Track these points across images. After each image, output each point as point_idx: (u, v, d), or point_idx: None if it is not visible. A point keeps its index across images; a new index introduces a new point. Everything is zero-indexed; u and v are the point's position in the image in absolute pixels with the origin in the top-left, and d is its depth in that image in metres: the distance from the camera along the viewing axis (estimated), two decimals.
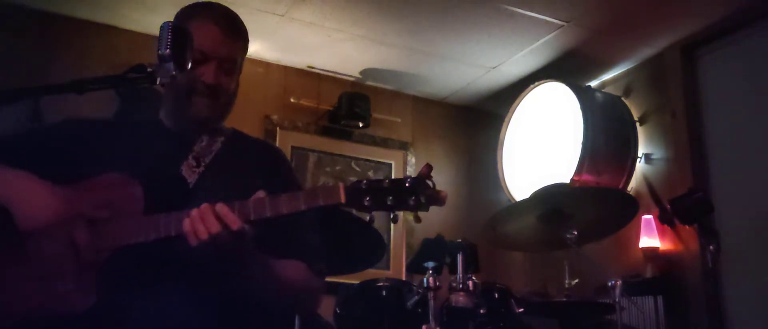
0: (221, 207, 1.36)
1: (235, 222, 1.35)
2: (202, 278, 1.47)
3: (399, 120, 4.70)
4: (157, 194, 1.49)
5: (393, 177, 1.38)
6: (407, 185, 1.34)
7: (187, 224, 1.36)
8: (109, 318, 1.43)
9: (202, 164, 1.63)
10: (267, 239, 1.49)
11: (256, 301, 1.53)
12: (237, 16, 1.74)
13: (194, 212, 1.37)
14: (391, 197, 1.34)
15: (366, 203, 1.34)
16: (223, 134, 1.73)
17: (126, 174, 1.52)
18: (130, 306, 1.45)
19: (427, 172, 1.35)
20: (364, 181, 1.35)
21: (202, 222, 1.35)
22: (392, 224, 4.43)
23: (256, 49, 4.18)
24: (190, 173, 1.60)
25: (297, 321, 2.53)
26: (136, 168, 1.53)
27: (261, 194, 1.39)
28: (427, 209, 1.35)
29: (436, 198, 1.35)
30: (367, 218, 1.38)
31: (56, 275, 1.42)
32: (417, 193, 1.33)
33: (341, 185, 1.35)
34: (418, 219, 1.38)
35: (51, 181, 1.53)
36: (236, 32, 1.70)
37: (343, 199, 1.34)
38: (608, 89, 4.39)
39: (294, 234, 1.62)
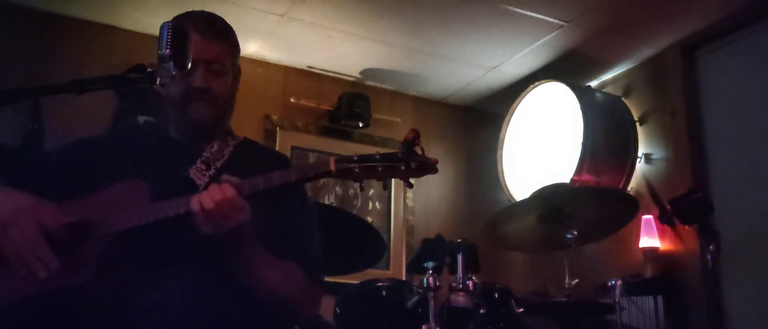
0: (225, 177, 1.44)
1: (229, 190, 1.41)
2: (202, 263, 1.49)
3: (399, 120, 4.69)
4: (167, 197, 1.50)
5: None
6: (399, 155, 1.40)
7: (195, 200, 1.41)
8: (108, 300, 1.45)
9: (213, 167, 1.66)
10: (269, 242, 1.50)
11: (254, 293, 1.54)
12: (218, 18, 1.77)
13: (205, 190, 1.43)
14: (380, 167, 1.40)
15: (356, 171, 1.40)
16: (234, 140, 1.77)
17: (134, 179, 1.55)
18: (128, 289, 1.46)
19: (412, 137, 1.41)
20: (355, 155, 1.41)
21: (208, 193, 1.41)
22: (392, 225, 4.44)
23: (256, 49, 4.18)
24: (199, 176, 1.64)
25: None
26: (145, 177, 1.56)
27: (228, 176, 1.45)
28: (419, 176, 1.41)
29: (427, 164, 1.41)
30: (360, 187, 1.45)
31: (32, 261, 1.43)
32: (407, 160, 1.40)
33: (331, 157, 1.42)
34: (409, 185, 1.44)
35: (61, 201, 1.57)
36: (218, 34, 1.73)
37: (332, 167, 1.40)
38: (608, 89, 4.39)
39: (295, 240, 1.64)
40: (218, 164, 1.67)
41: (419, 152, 1.42)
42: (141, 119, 1.99)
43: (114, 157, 1.68)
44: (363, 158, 1.40)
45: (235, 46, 1.80)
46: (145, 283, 1.47)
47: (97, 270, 1.43)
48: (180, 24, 1.67)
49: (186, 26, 1.65)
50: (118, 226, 1.47)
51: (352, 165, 1.40)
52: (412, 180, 1.44)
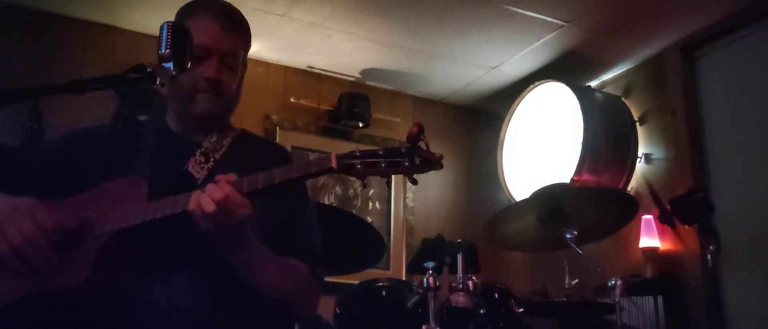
0: (219, 177, 1.38)
1: (226, 187, 1.35)
2: (201, 262, 1.46)
3: (399, 120, 4.69)
4: (165, 192, 1.48)
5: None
6: (402, 150, 1.35)
7: (193, 199, 1.36)
8: (105, 300, 1.43)
9: (212, 159, 1.63)
10: (270, 238, 1.49)
11: (254, 290, 1.52)
12: (237, 10, 1.74)
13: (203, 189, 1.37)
14: (383, 162, 1.35)
15: (358, 167, 1.35)
16: (233, 132, 1.73)
17: (131, 175, 1.53)
18: (125, 288, 1.45)
19: (417, 131, 1.35)
20: (358, 150, 1.38)
21: (206, 194, 1.36)
22: (392, 225, 4.43)
23: (256, 49, 4.18)
24: (198, 169, 1.60)
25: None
26: (143, 171, 1.54)
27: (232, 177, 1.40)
28: (423, 172, 1.35)
29: (431, 160, 1.35)
30: (362, 184, 1.39)
31: (32, 256, 1.42)
32: (411, 156, 1.34)
33: (333, 153, 1.38)
34: (414, 181, 1.39)
35: (58, 194, 1.55)
36: (237, 27, 1.70)
37: (334, 164, 1.36)
38: (608, 89, 4.39)
39: (297, 236, 1.62)
40: (217, 156, 1.64)
41: (423, 147, 1.36)
42: (141, 118, 1.97)
43: (111, 150, 1.65)
44: (365, 154, 1.36)
45: (248, 42, 1.78)
46: (143, 282, 1.44)
47: (93, 270, 1.41)
48: (199, 11, 1.66)
49: (205, 13, 1.65)
50: (114, 225, 1.45)
51: (354, 161, 1.35)
52: (415, 176, 1.39)
